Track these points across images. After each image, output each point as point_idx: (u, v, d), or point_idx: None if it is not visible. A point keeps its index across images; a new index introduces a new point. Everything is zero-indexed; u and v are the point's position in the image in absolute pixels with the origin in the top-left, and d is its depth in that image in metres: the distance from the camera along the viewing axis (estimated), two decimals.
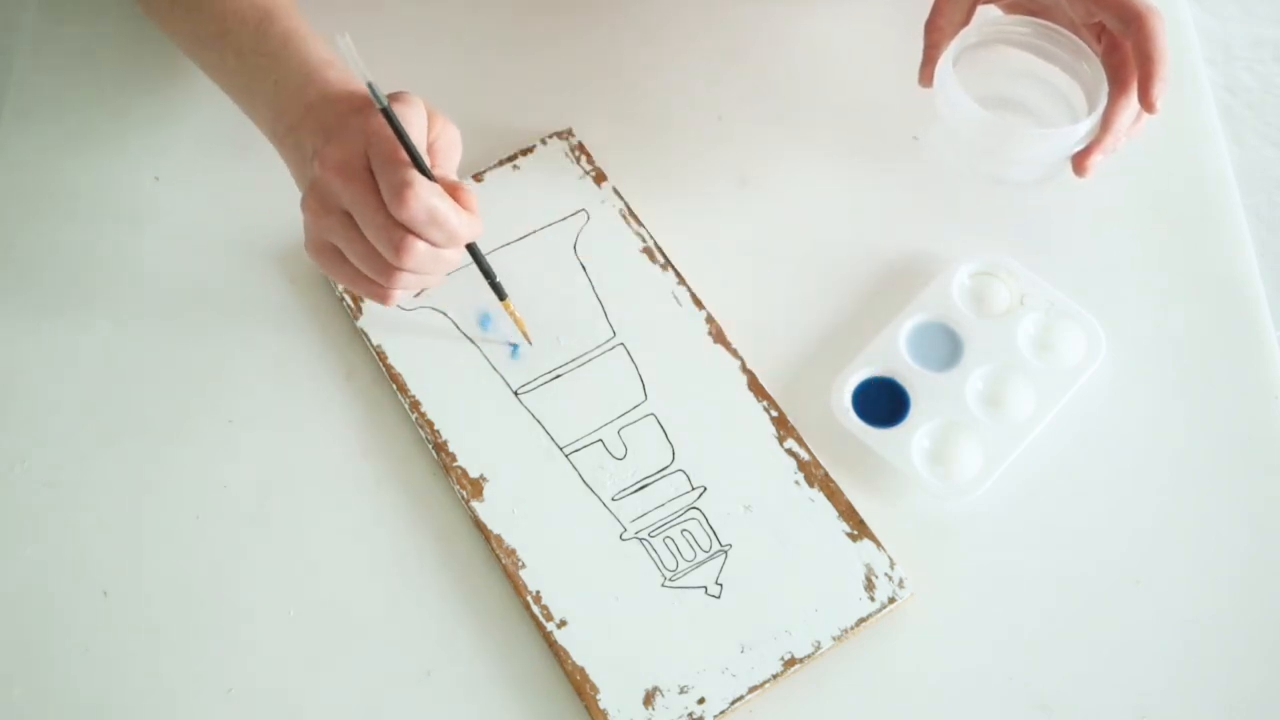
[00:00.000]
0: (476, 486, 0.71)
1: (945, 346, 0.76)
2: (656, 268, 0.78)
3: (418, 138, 0.65)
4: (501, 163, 0.81)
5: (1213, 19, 1.66)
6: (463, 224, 0.65)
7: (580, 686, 0.66)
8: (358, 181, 0.64)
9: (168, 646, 0.68)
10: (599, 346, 0.76)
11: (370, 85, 0.63)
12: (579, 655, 0.67)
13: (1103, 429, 0.74)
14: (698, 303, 0.77)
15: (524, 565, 0.69)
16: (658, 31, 0.88)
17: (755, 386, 0.74)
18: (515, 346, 0.75)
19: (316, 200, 0.66)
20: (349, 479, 0.73)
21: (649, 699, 0.66)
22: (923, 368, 0.75)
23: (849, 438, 0.73)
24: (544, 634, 0.68)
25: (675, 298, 0.77)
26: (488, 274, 0.72)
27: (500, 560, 0.69)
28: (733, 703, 0.66)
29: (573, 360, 0.75)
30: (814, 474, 0.72)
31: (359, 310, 0.76)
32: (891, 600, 0.68)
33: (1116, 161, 0.83)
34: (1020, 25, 0.79)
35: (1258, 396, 0.75)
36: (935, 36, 0.78)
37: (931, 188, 0.82)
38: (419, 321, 0.76)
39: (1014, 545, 0.71)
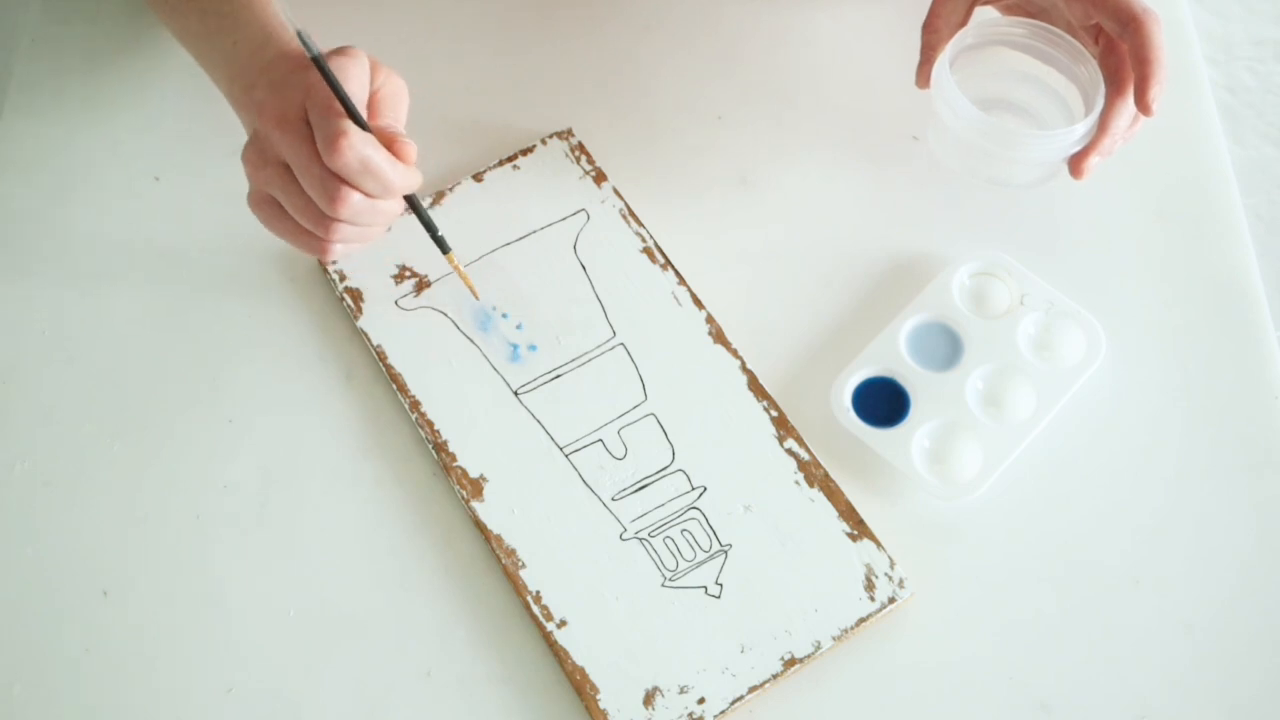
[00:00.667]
0: (476, 486, 0.71)
1: (945, 346, 0.76)
2: (656, 268, 0.78)
3: (358, 89, 0.66)
4: (501, 163, 0.81)
5: (1213, 18, 1.66)
6: (397, 174, 0.66)
7: (580, 686, 0.66)
8: (294, 132, 0.64)
9: (168, 646, 0.68)
10: (599, 346, 0.76)
11: (300, 34, 0.64)
12: (579, 655, 0.67)
13: (1103, 429, 0.74)
14: (698, 303, 0.77)
15: (524, 565, 0.69)
16: (658, 31, 0.88)
17: (755, 386, 0.74)
18: (516, 346, 0.75)
19: (255, 151, 0.66)
20: (349, 479, 0.73)
21: (649, 699, 0.66)
22: (923, 368, 0.75)
23: (849, 438, 0.73)
24: (544, 634, 0.68)
25: (675, 298, 0.77)
26: (428, 226, 0.72)
27: (500, 560, 0.69)
28: (733, 703, 0.66)
29: (573, 360, 0.75)
30: (814, 474, 0.72)
31: (359, 310, 0.76)
32: (891, 600, 0.68)
33: (1116, 162, 0.83)
34: (1017, 27, 0.79)
35: (1258, 396, 0.75)
36: (932, 38, 0.78)
37: (931, 188, 0.82)
38: (419, 321, 0.76)
39: (1014, 545, 0.71)
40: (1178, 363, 0.77)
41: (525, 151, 0.82)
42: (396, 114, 0.68)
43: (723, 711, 0.66)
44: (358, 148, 0.64)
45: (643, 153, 0.83)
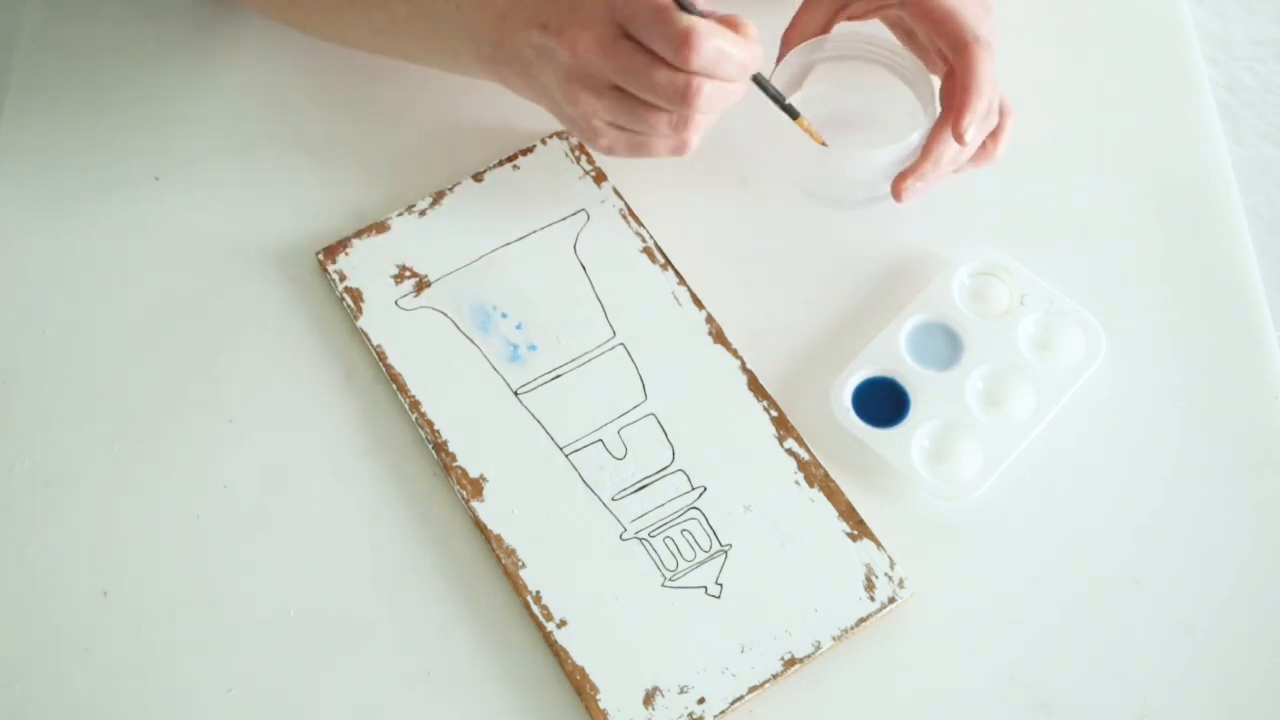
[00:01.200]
0: (476, 486, 0.71)
1: (945, 346, 0.76)
2: (656, 268, 0.78)
3: None
4: (501, 163, 0.81)
5: (1214, 18, 1.66)
6: (749, 55, 0.65)
7: (580, 686, 0.66)
8: (622, 51, 0.64)
9: (168, 646, 0.68)
10: (599, 346, 0.76)
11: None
12: (579, 655, 0.67)
13: (1103, 429, 0.74)
14: (698, 303, 0.77)
15: (524, 565, 0.69)
16: None
17: (755, 386, 0.74)
18: (516, 346, 0.75)
19: (583, 87, 0.65)
20: (349, 479, 0.73)
21: (649, 699, 0.66)
22: (923, 368, 0.75)
23: (849, 438, 0.73)
24: (544, 634, 0.68)
25: (675, 298, 0.77)
26: (776, 98, 0.72)
27: (500, 560, 0.69)
28: (733, 703, 0.66)
29: (573, 360, 0.75)
30: (814, 474, 0.72)
31: (359, 310, 0.76)
32: (891, 600, 0.68)
33: (1116, 162, 0.83)
34: (859, 42, 0.78)
35: (1258, 396, 0.75)
36: (785, 50, 0.78)
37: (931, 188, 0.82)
38: (419, 321, 0.76)
39: (1014, 545, 0.71)
40: (1178, 363, 0.76)
41: (525, 151, 0.82)
42: None
43: (723, 711, 0.66)
44: (710, 39, 0.63)
45: None
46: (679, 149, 0.69)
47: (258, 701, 0.67)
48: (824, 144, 0.74)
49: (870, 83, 0.80)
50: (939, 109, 0.74)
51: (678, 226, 0.80)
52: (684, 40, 0.62)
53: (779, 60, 0.78)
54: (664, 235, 0.79)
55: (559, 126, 0.83)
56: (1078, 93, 0.85)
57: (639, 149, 0.69)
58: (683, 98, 0.64)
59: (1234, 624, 0.69)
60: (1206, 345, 0.77)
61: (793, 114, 0.73)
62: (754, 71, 0.67)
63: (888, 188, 0.76)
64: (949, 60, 0.73)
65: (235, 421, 0.74)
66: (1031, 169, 0.83)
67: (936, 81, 0.76)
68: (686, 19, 0.62)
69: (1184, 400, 0.75)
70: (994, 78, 0.72)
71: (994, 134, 0.75)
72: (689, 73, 0.64)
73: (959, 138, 0.71)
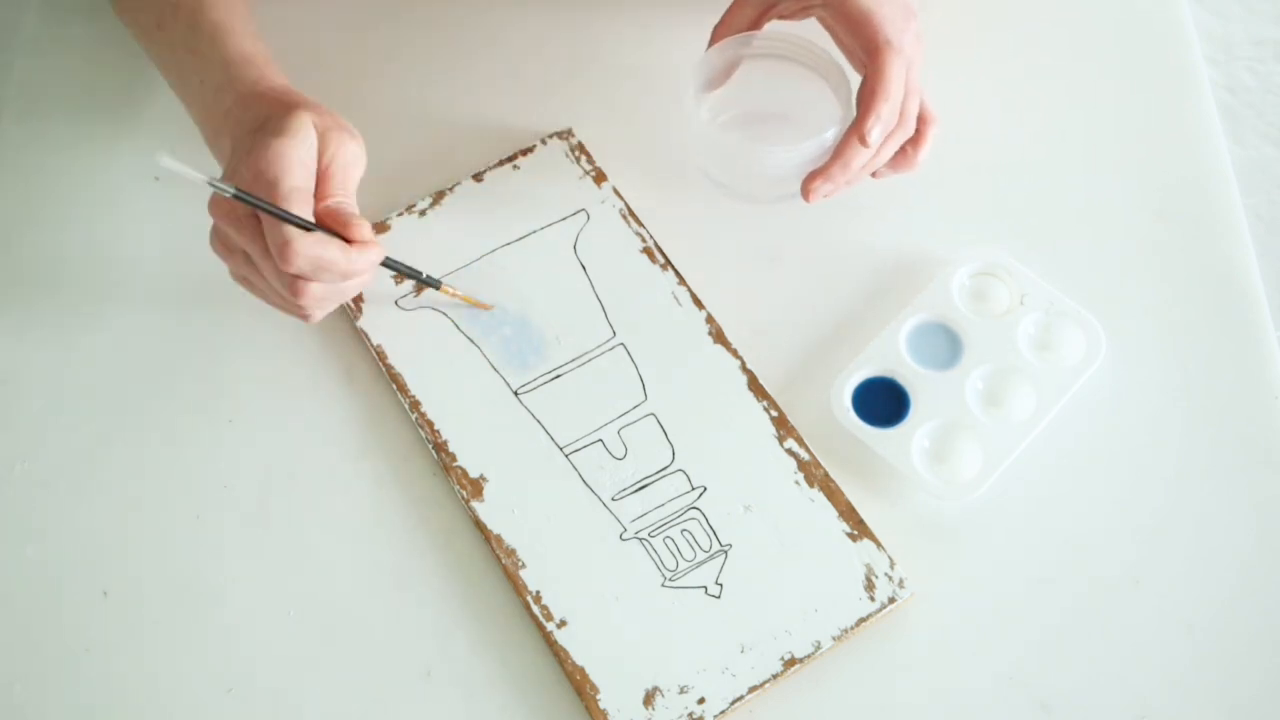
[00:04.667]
0: (476, 486, 0.71)
1: (945, 346, 0.76)
2: (656, 268, 0.78)
3: (302, 174, 0.65)
4: (501, 163, 0.81)
5: (1214, 18, 1.66)
6: (354, 261, 0.66)
7: (580, 686, 0.66)
8: (246, 230, 0.66)
9: (168, 646, 0.68)
10: (599, 346, 0.76)
11: (211, 183, 0.63)
12: (579, 655, 0.67)
13: (1103, 429, 0.74)
14: (698, 303, 0.77)
15: (524, 565, 0.69)
16: (658, 31, 0.88)
17: (755, 386, 0.74)
18: (516, 347, 0.75)
19: (219, 241, 0.68)
20: (349, 479, 0.73)
21: (649, 699, 0.66)
22: (923, 368, 0.75)
23: (849, 438, 0.73)
24: (544, 634, 0.68)
25: (675, 298, 0.77)
26: (413, 276, 0.74)
27: (500, 560, 0.69)
28: (733, 703, 0.66)
29: (573, 360, 0.75)
30: (814, 474, 0.72)
31: (359, 310, 0.76)
32: (891, 600, 0.68)
33: (1116, 162, 0.83)
34: (789, 42, 0.78)
35: (1258, 396, 0.75)
36: (713, 44, 0.78)
37: (931, 188, 0.82)
38: (419, 321, 0.76)
39: (1014, 545, 0.71)
40: (1178, 363, 0.76)
41: (525, 151, 0.82)
42: (347, 186, 0.68)
43: (723, 711, 0.66)
44: (305, 253, 0.64)
45: (643, 153, 0.83)
46: (303, 319, 0.70)
47: (258, 701, 0.67)
48: (486, 307, 0.76)
49: (793, 82, 0.80)
50: (854, 112, 0.73)
51: (678, 226, 0.80)
52: (280, 249, 0.64)
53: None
54: (664, 235, 0.79)
55: (559, 126, 0.83)
56: (1078, 93, 0.85)
57: (268, 303, 0.70)
58: (292, 292, 0.66)
59: (1234, 624, 0.69)
60: (1206, 345, 0.77)
61: (434, 284, 0.75)
62: (360, 275, 0.67)
63: (798, 186, 0.75)
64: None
65: (235, 421, 0.74)
66: (1031, 169, 0.83)
67: (856, 84, 0.75)
68: (288, 230, 0.64)
69: (1184, 400, 0.75)
70: (904, 83, 0.71)
71: (914, 141, 0.75)
72: (289, 275, 0.66)
73: (862, 140, 0.71)
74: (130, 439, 0.74)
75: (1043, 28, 0.88)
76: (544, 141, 0.82)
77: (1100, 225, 0.81)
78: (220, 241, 0.68)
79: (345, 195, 0.68)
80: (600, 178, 0.81)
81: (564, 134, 0.82)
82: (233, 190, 0.64)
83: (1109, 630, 0.69)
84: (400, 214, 0.79)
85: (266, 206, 0.64)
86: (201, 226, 0.80)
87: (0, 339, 0.77)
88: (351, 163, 0.68)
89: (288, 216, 0.64)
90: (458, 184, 0.80)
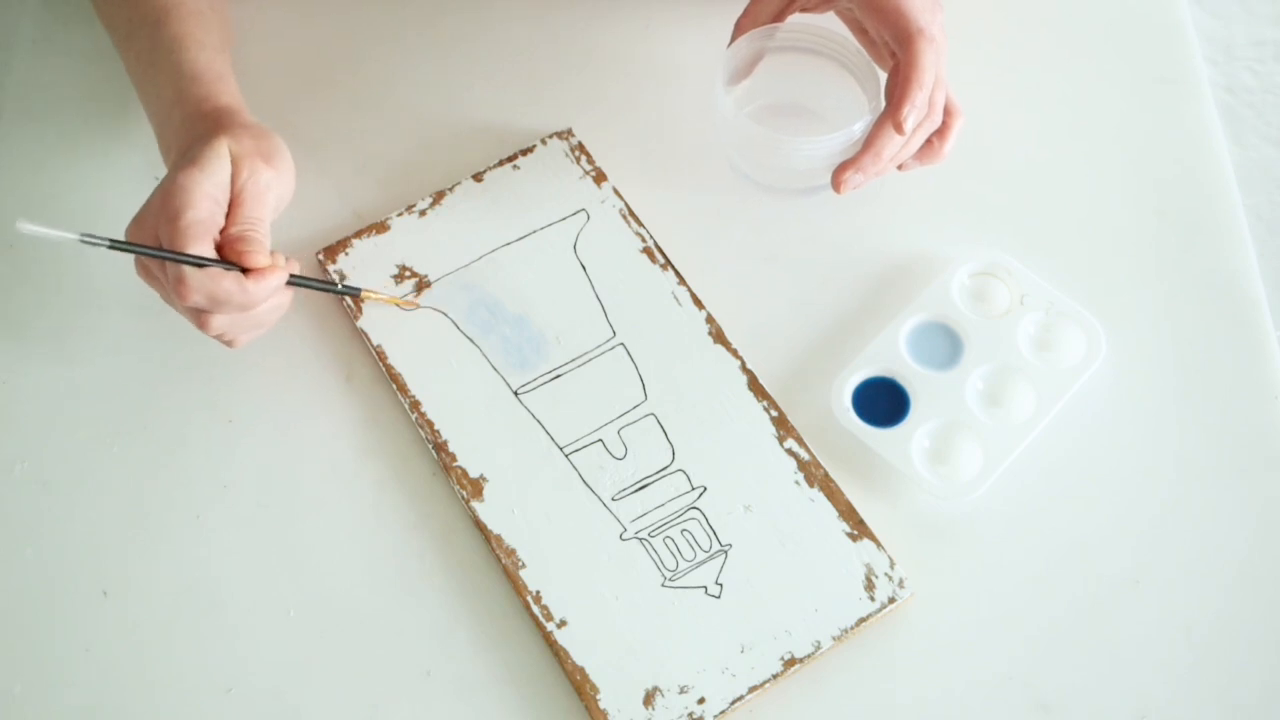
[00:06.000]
0: (476, 486, 0.71)
1: (945, 346, 0.76)
2: (656, 268, 0.78)
3: (208, 206, 0.66)
4: (501, 163, 0.81)
5: (1213, 19, 1.66)
6: (249, 293, 0.66)
7: (580, 686, 0.66)
8: (153, 264, 0.67)
9: (168, 646, 0.68)
10: (599, 346, 0.76)
11: (84, 239, 0.64)
12: (579, 655, 0.67)
13: (1103, 429, 0.74)
14: (698, 303, 0.77)
15: (524, 565, 0.69)
16: (658, 31, 0.88)
17: (755, 386, 0.74)
18: (516, 347, 0.75)
19: (140, 267, 0.69)
20: (349, 479, 0.73)
21: (649, 699, 0.66)
22: (923, 368, 0.75)
23: (849, 438, 0.73)
24: (544, 634, 0.68)
25: (675, 298, 0.77)
26: (330, 289, 0.74)
27: (500, 560, 0.69)
28: (733, 703, 0.66)
29: (573, 360, 0.75)
30: (814, 474, 0.72)
31: (359, 310, 0.76)
32: (891, 600, 0.68)
33: (1117, 162, 0.83)
34: (804, 33, 0.78)
35: (1258, 396, 0.75)
36: (737, 36, 0.78)
37: (931, 188, 0.82)
38: (419, 321, 0.76)
39: (1014, 545, 0.71)
40: (1178, 363, 0.76)
41: (525, 151, 0.82)
42: (256, 212, 0.68)
43: (723, 711, 0.66)
44: (198, 288, 0.65)
45: (643, 153, 0.83)
46: (226, 346, 0.71)
47: (258, 701, 0.67)
48: (412, 305, 0.76)
49: (818, 75, 0.80)
50: (884, 104, 0.73)
51: (678, 226, 0.80)
52: (176, 286, 0.65)
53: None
54: (664, 235, 0.79)
55: (559, 126, 0.83)
56: (1078, 93, 0.85)
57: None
58: (198, 324, 0.68)
59: (1234, 624, 0.69)
60: (1206, 345, 0.77)
61: (353, 292, 0.75)
62: (260, 304, 0.67)
63: (826, 179, 0.76)
64: (895, 54, 0.73)
65: (235, 421, 0.74)
66: (1032, 169, 0.83)
67: (883, 77, 0.75)
68: (181, 270, 0.64)
69: (1184, 400, 0.75)
70: (936, 71, 0.72)
71: (940, 133, 0.75)
72: (189, 308, 0.67)
73: (898, 127, 0.71)
74: (130, 439, 0.74)
75: (1042, 28, 0.88)
76: (544, 141, 0.82)
77: (1100, 226, 0.81)
78: (140, 268, 0.69)
79: (251, 223, 0.67)
80: (600, 178, 0.81)
81: (564, 134, 0.82)
82: (108, 242, 0.64)
83: (1109, 630, 0.69)
84: (400, 214, 0.79)
85: (147, 251, 0.65)
86: None
87: (0, 339, 0.77)
88: (263, 189, 0.68)
89: (173, 256, 0.65)
90: (458, 184, 0.80)
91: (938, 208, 0.81)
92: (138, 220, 0.68)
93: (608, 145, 0.82)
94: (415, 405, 0.73)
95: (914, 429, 0.73)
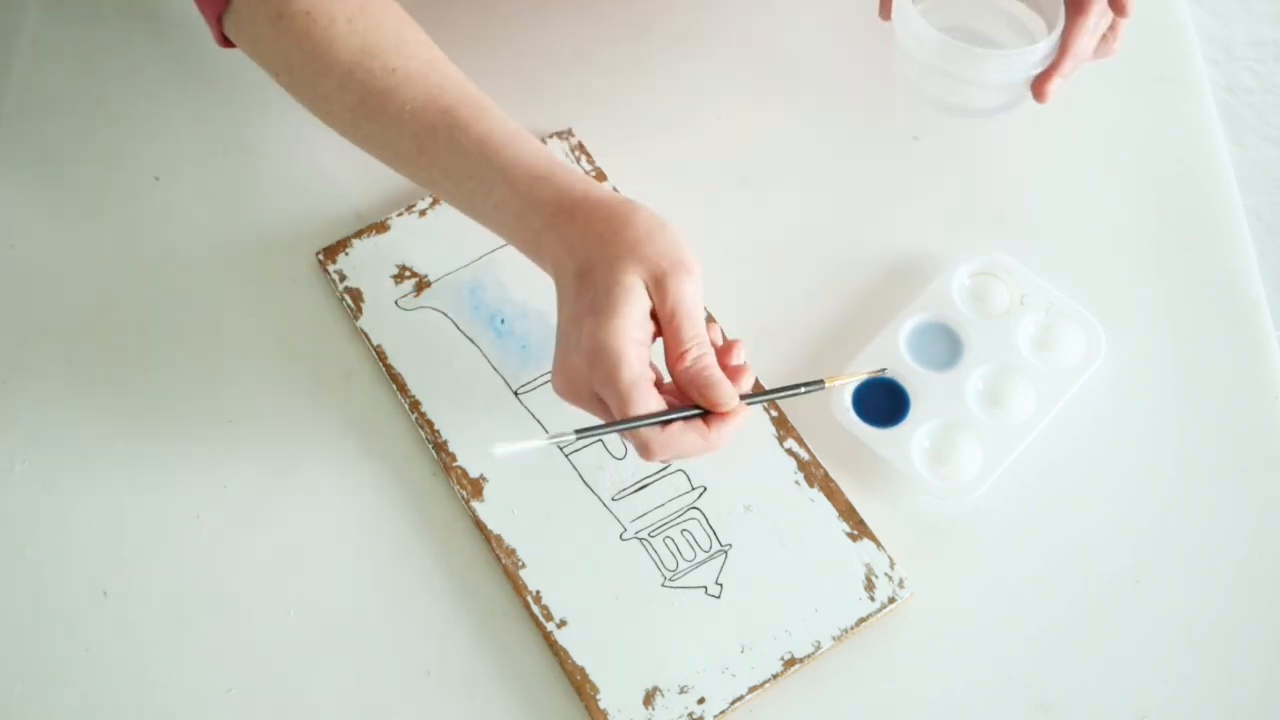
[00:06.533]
0: (476, 486, 0.71)
1: (945, 346, 0.76)
2: None
3: (637, 347, 0.61)
4: None
5: (1213, 19, 1.66)
6: (714, 442, 0.62)
7: (580, 686, 0.66)
8: (594, 404, 0.63)
9: (168, 646, 0.68)
10: None
11: (552, 440, 0.60)
12: (579, 655, 0.67)
13: (1103, 429, 0.74)
14: None
15: (524, 565, 0.69)
16: (658, 31, 0.88)
17: (755, 387, 0.74)
18: (516, 346, 0.75)
19: (566, 391, 0.64)
20: (349, 479, 0.73)
21: (649, 699, 0.66)
22: (923, 368, 0.75)
23: (849, 438, 0.73)
24: (544, 634, 0.68)
25: None
26: (793, 393, 0.68)
27: (500, 560, 0.69)
28: (733, 703, 0.66)
29: None
30: (814, 474, 0.72)
31: (359, 310, 0.76)
32: (891, 600, 0.68)
33: (1117, 162, 0.83)
34: None
35: (1258, 396, 0.75)
36: None
37: (931, 188, 0.82)
38: (419, 321, 0.76)
39: (1014, 545, 0.71)
40: (1178, 363, 0.77)
41: None
42: (697, 330, 0.62)
43: (723, 711, 0.66)
44: (664, 451, 0.61)
45: (643, 153, 0.83)
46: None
47: (258, 701, 0.67)
48: (880, 372, 0.73)
49: (972, 1, 0.82)
50: (1062, 14, 0.75)
51: (678, 226, 0.79)
52: (641, 451, 0.62)
53: None
54: None
55: (559, 126, 0.83)
56: (1078, 93, 0.85)
57: None
58: (649, 458, 0.62)
59: (1234, 624, 0.69)
60: (1206, 345, 0.77)
61: (813, 386, 0.68)
62: (726, 444, 0.63)
63: (1010, 98, 0.78)
64: None
65: (235, 421, 0.74)
66: (1031, 170, 0.83)
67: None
68: (644, 436, 0.60)
69: (1184, 400, 0.75)
70: None
71: (1112, 26, 0.76)
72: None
73: (1122, 9, 0.73)
74: (130, 439, 0.74)
75: None
76: (544, 141, 0.82)
77: (1100, 226, 0.81)
78: (567, 392, 0.64)
79: (698, 345, 0.62)
80: (600, 177, 0.81)
81: (564, 134, 0.82)
82: (573, 434, 0.61)
83: (1109, 630, 0.69)
84: (400, 214, 0.79)
85: (612, 429, 0.61)
86: (202, 227, 0.80)
87: (0, 339, 0.77)
88: (694, 304, 0.62)
89: (633, 426, 0.60)
90: None
91: (938, 208, 0.81)
92: (567, 376, 0.63)
93: (608, 145, 0.82)
94: (415, 405, 0.73)
95: (914, 429, 0.73)
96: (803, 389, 0.68)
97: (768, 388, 0.74)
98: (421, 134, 0.67)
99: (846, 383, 0.73)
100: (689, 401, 0.62)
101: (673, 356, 0.62)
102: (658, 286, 0.62)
